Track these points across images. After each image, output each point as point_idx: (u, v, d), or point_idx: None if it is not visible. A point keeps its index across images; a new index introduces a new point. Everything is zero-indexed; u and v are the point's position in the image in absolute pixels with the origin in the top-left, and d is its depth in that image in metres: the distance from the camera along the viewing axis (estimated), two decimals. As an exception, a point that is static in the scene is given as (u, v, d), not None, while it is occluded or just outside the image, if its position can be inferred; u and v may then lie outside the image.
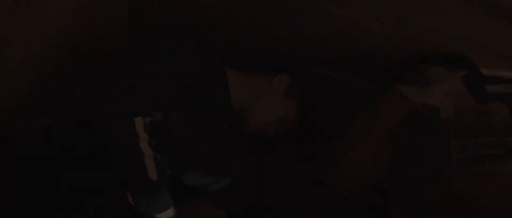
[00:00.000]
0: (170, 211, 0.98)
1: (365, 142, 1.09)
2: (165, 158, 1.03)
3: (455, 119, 1.04)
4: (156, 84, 0.97)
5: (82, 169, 0.98)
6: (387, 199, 1.08)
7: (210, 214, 1.06)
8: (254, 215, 1.10)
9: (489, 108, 1.10)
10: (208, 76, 1.04)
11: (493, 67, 1.37)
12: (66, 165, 0.98)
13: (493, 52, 1.33)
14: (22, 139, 1.00)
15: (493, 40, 1.29)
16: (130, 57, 1.03)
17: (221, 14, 1.26)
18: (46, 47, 1.04)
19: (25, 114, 1.09)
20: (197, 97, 1.04)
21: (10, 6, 0.87)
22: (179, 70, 1.00)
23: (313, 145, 1.25)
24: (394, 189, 1.08)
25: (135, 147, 0.93)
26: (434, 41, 1.30)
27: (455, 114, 1.05)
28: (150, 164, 0.94)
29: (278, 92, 1.21)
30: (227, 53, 1.13)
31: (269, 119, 1.20)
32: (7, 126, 1.05)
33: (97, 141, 0.95)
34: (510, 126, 1.02)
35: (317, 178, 1.16)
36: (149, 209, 0.96)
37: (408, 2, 1.17)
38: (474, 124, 1.02)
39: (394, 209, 1.06)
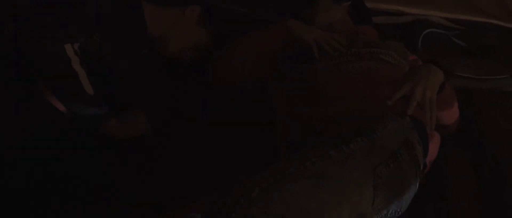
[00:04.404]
0: (113, 120, 1.16)
1: (237, 45, 1.29)
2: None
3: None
4: (80, 14, 1.12)
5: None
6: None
7: (136, 121, 1.22)
8: (169, 120, 1.30)
9: (359, 30, 1.36)
10: (124, 5, 1.17)
11: (377, 1, 1.63)
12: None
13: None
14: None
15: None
16: None
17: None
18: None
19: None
20: (115, 24, 1.15)
21: None
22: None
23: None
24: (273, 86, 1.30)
25: (69, 68, 1.07)
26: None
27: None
28: (85, 81, 1.10)
29: (191, 21, 1.34)
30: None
31: (185, 45, 1.33)
32: None
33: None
34: (369, 41, 1.27)
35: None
36: (93, 120, 1.13)
37: None
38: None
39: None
